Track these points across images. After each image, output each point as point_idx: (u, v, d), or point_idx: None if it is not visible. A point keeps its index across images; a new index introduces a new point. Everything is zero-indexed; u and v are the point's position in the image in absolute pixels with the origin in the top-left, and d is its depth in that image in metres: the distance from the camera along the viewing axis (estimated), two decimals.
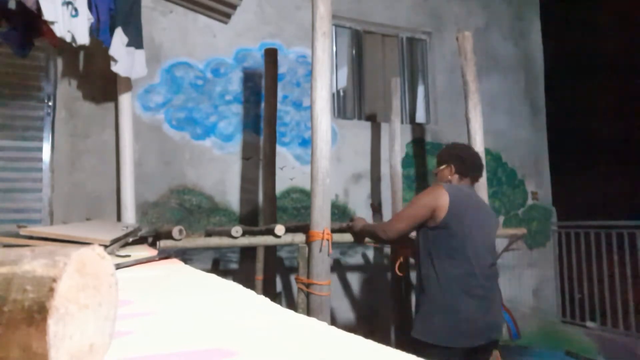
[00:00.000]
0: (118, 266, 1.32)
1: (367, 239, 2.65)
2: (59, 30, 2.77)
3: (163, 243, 2.44)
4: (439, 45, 5.29)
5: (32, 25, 3.09)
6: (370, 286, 4.61)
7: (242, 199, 4.24)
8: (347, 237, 2.74)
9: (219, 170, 4.18)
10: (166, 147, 4.02)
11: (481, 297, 2.05)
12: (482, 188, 3.19)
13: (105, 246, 1.55)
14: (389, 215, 4.39)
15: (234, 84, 4.32)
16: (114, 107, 3.80)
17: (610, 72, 8.39)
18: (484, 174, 3.24)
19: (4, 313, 0.35)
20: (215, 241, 2.64)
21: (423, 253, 2.16)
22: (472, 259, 2.05)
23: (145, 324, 0.64)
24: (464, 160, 2.26)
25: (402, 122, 4.73)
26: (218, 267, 4.09)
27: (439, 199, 2.06)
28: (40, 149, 3.63)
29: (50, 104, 3.68)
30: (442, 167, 2.31)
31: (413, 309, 2.30)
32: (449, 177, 2.28)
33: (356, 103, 4.98)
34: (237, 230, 2.56)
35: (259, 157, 4.27)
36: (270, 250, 3.75)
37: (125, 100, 3.60)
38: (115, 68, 3.20)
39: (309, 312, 2.38)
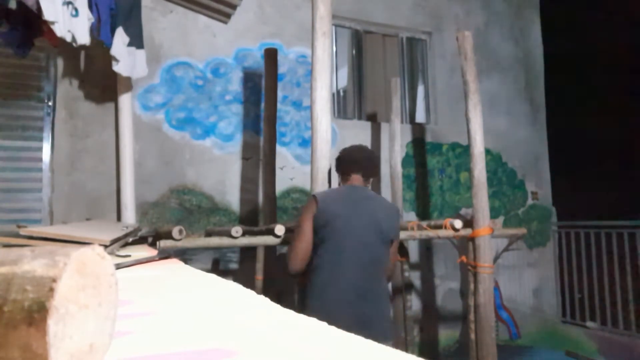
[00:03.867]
0: (118, 266, 1.32)
1: None
2: (59, 30, 2.77)
3: (163, 243, 2.44)
4: (439, 45, 5.28)
5: (32, 25, 3.09)
6: None
7: (242, 199, 4.24)
8: None
9: (219, 170, 4.18)
10: (166, 147, 4.02)
11: (351, 290, 2.03)
12: (482, 188, 3.19)
13: (105, 246, 1.55)
14: None
15: (234, 84, 4.32)
16: (114, 107, 3.80)
17: (610, 71, 8.39)
18: (484, 172, 3.24)
19: (4, 313, 0.35)
20: (215, 241, 2.64)
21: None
22: (344, 254, 2.04)
23: (145, 324, 0.64)
24: (338, 159, 2.31)
25: (402, 122, 4.73)
26: (218, 267, 4.09)
27: (312, 207, 2.10)
28: (40, 149, 3.63)
29: (50, 104, 3.68)
30: (339, 179, 2.34)
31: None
32: (352, 183, 2.28)
33: (356, 103, 4.98)
34: (237, 230, 2.56)
35: (259, 157, 4.27)
36: (270, 250, 3.75)
37: (125, 100, 3.60)
38: (116, 68, 3.20)
39: None
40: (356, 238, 2.08)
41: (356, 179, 2.27)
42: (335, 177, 2.52)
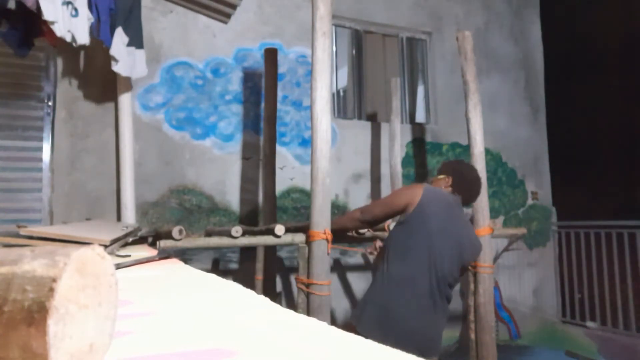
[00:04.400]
0: (118, 266, 1.32)
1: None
2: (59, 30, 2.77)
3: (163, 243, 2.44)
4: (439, 45, 5.28)
5: (32, 25, 3.09)
6: None
7: (242, 199, 4.24)
8: (347, 237, 2.75)
9: (219, 170, 4.18)
10: (166, 147, 4.02)
11: (423, 306, 1.98)
12: (482, 188, 3.19)
13: (105, 246, 1.55)
14: None
15: (234, 83, 4.31)
16: (114, 107, 3.80)
17: (610, 71, 8.39)
18: (484, 172, 3.24)
19: (4, 313, 0.35)
20: (215, 241, 2.64)
21: (384, 247, 2.12)
22: (426, 264, 1.98)
23: (145, 324, 0.64)
24: (464, 178, 2.20)
25: (402, 122, 4.73)
26: (218, 267, 4.09)
27: (415, 194, 2.02)
28: (40, 149, 3.63)
29: (50, 104, 3.68)
30: (441, 177, 2.24)
31: None
32: (442, 187, 2.20)
33: (356, 103, 4.98)
34: (237, 230, 2.56)
35: (259, 157, 4.27)
36: (270, 250, 3.75)
37: (125, 100, 3.60)
38: (116, 68, 3.20)
39: (309, 312, 2.38)
40: (439, 250, 2.01)
41: (459, 198, 2.20)
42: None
